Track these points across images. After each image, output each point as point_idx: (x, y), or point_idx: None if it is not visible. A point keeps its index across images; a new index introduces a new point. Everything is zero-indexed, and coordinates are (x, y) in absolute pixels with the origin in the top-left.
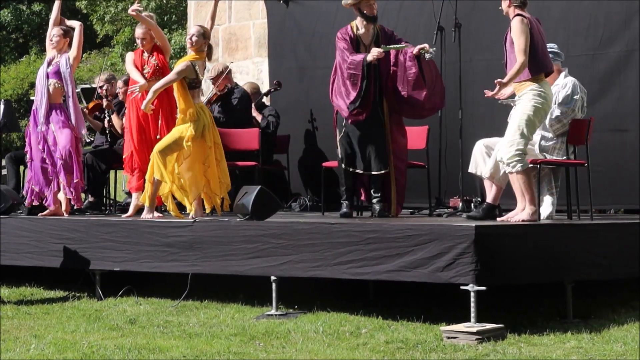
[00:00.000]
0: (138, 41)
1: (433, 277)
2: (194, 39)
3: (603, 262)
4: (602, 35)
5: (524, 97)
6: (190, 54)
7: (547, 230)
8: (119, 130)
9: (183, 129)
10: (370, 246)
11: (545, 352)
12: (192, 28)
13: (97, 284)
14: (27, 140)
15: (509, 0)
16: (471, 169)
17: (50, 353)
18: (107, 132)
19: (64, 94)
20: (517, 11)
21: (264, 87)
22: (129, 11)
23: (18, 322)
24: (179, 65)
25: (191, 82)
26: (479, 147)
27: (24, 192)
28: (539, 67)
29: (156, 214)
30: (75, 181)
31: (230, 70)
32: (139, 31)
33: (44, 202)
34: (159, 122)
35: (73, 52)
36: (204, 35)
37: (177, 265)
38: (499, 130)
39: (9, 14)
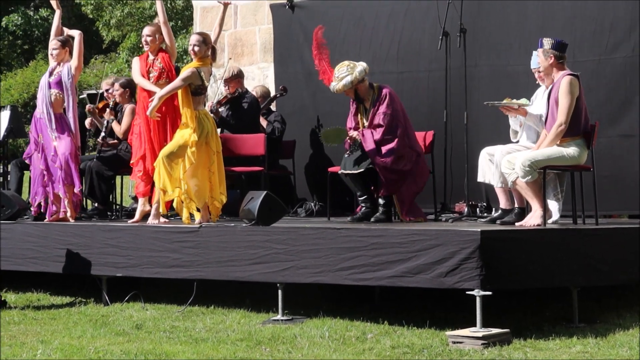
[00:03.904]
0: (143, 40)
1: (436, 283)
2: (196, 48)
3: (608, 267)
4: (608, 40)
5: (564, 144)
6: (195, 61)
7: (552, 235)
8: (120, 136)
9: (186, 135)
10: (374, 252)
11: (551, 357)
12: (192, 38)
13: (103, 289)
14: (28, 147)
15: (553, 59)
16: (480, 178)
17: (57, 358)
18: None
19: (65, 104)
20: (567, 70)
21: (270, 92)
22: None
23: (25, 327)
24: (185, 72)
25: (196, 89)
26: (483, 155)
27: (31, 200)
28: (578, 129)
29: (162, 219)
30: (76, 191)
31: (243, 75)
32: (146, 29)
33: (42, 209)
34: (167, 127)
35: (74, 61)
36: (205, 42)
37: (179, 271)
38: (504, 134)
39: (20, 19)
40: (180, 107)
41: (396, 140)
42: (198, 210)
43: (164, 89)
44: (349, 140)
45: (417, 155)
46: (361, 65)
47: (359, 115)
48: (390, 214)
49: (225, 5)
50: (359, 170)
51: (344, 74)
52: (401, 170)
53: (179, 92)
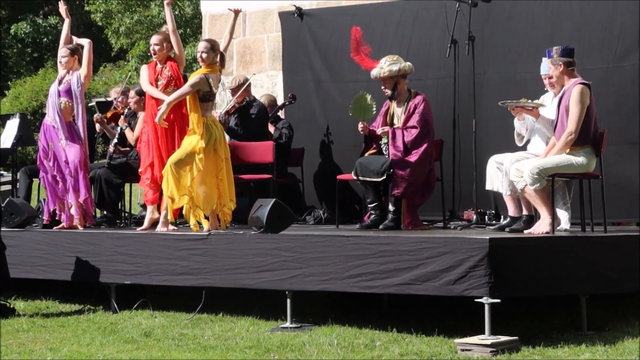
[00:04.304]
0: (151, 49)
1: (444, 290)
2: (204, 55)
3: (617, 275)
4: (616, 48)
5: (573, 152)
6: (203, 68)
7: (560, 242)
8: (132, 143)
9: (194, 142)
10: (382, 259)
11: None
12: (199, 45)
13: (112, 297)
14: (37, 155)
15: (563, 67)
16: (488, 186)
17: None
18: (113, 149)
19: (74, 112)
20: (579, 79)
21: (279, 100)
22: (167, 1)
23: (34, 335)
24: (193, 78)
25: (204, 95)
26: (491, 163)
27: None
28: (588, 137)
29: (171, 227)
30: (83, 198)
31: (250, 83)
32: (153, 38)
33: (57, 217)
34: (175, 135)
35: (83, 70)
36: (212, 48)
37: (187, 279)
38: (512, 142)
39: (28, 27)
40: (188, 114)
41: (425, 146)
42: (206, 218)
43: (172, 95)
44: (369, 128)
45: (430, 170)
46: (409, 62)
47: (387, 115)
48: (399, 222)
49: (236, 12)
50: (381, 179)
51: (391, 62)
52: (417, 179)
53: (187, 98)
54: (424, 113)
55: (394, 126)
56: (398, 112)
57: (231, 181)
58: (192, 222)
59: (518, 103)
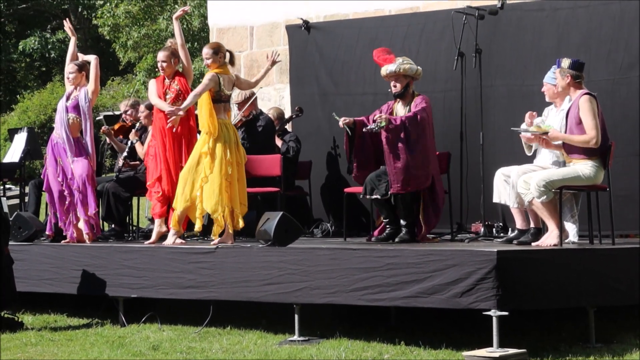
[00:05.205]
0: (159, 65)
1: (451, 303)
2: (208, 61)
3: (625, 287)
4: (622, 60)
5: (580, 164)
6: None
7: (568, 255)
8: (142, 157)
9: (200, 144)
10: (389, 272)
11: None
12: (203, 51)
13: (120, 310)
14: (44, 171)
15: (570, 78)
16: (495, 199)
17: None
18: (122, 162)
19: (82, 128)
20: (585, 90)
21: (286, 113)
22: (176, 15)
23: (42, 348)
24: (205, 77)
25: (215, 96)
26: (498, 175)
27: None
28: (595, 150)
29: (178, 240)
30: (91, 212)
31: (256, 97)
32: (160, 55)
33: (64, 232)
34: (182, 148)
35: (91, 85)
36: (216, 52)
37: (195, 292)
38: (519, 154)
39: (36, 42)
40: (195, 126)
41: (422, 140)
42: (219, 233)
43: (189, 98)
44: (376, 120)
45: (440, 191)
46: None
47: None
48: (413, 234)
49: (274, 63)
50: (384, 197)
51: (409, 62)
52: (416, 169)
53: (201, 100)
54: (423, 108)
55: None
56: (401, 114)
57: (243, 185)
58: (197, 224)
59: (529, 130)
